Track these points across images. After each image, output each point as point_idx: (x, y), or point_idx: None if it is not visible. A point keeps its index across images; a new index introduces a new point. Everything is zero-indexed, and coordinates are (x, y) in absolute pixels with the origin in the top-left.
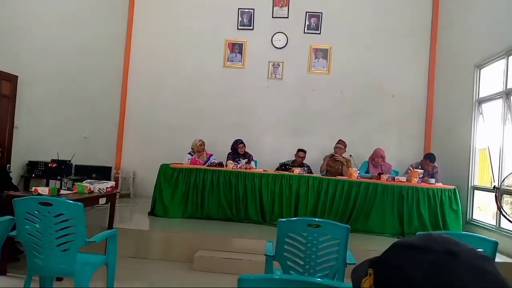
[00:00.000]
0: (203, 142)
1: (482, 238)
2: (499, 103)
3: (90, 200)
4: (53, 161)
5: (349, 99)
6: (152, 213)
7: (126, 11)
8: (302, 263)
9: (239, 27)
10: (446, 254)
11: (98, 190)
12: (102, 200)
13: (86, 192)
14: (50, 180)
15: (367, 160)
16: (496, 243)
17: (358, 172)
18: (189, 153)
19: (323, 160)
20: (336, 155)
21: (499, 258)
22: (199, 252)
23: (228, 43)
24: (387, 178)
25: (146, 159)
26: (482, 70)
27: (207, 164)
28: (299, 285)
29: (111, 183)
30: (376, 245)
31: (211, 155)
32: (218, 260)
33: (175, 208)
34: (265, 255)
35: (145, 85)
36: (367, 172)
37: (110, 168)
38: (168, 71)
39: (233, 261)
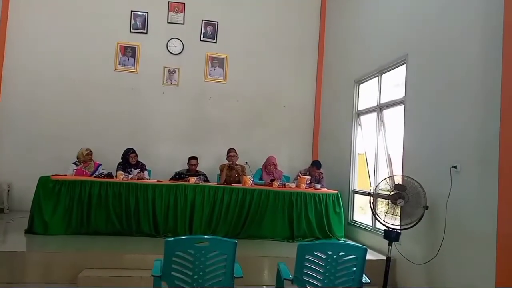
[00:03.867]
0: (91, 151)
1: (355, 246)
2: (374, 115)
3: None
4: None
5: (244, 108)
6: (29, 231)
7: None
8: (189, 281)
9: (132, 30)
10: None
11: None
12: None
13: None
14: None
15: (261, 167)
16: (365, 249)
17: (252, 179)
18: (74, 163)
19: (220, 170)
20: (232, 163)
21: (373, 256)
22: (84, 272)
23: (120, 46)
24: (278, 185)
25: (25, 169)
26: (360, 86)
27: (94, 175)
28: None
29: None
30: (268, 251)
31: (100, 165)
32: (105, 279)
33: (56, 224)
34: (152, 275)
35: (23, 88)
36: (260, 179)
37: None
38: (51, 74)
39: (122, 279)
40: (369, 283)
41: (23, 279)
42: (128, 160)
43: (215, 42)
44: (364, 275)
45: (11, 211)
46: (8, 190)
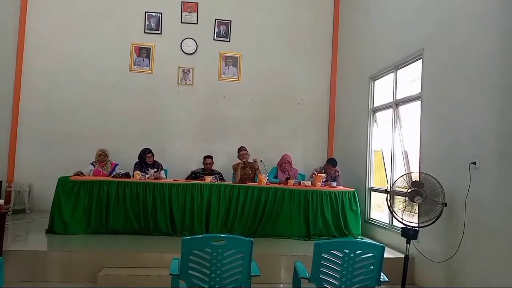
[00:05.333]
0: (104, 151)
1: (372, 244)
2: (390, 112)
3: None
4: None
5: (258, 107)
6: (50, 230)
7: (17, 8)
8: (207, 279)
9: (146, 31)
10: None
11: None
12: None
13: None
14: None
15: (276, 165)
16: (383, 248)
17: (267, 178)
18: (92, 164)
19: (233, 170)
20: (245, 161)
21: (390, 254)
22: (104, 271)
23: (135, 46)
24: (293, 183)
25: (45, 170)
26: (376, 82)
27: (112, 175)
28: None
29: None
30: (284, 249)
31: (117, 164)
32: (125, 278)
33: (76, 224)
34: (170, 274)
35: (41, 90)
36: (275, 177)
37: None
38: (67, 75)
39: (141, 278)
40: (387, 281)
41: (45, 278)
42: (145, 160)
43: (229, 41)
44: (382, 273)
45: (32, 211)
46: (29, 191)
